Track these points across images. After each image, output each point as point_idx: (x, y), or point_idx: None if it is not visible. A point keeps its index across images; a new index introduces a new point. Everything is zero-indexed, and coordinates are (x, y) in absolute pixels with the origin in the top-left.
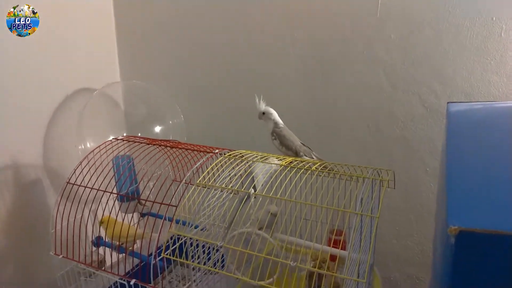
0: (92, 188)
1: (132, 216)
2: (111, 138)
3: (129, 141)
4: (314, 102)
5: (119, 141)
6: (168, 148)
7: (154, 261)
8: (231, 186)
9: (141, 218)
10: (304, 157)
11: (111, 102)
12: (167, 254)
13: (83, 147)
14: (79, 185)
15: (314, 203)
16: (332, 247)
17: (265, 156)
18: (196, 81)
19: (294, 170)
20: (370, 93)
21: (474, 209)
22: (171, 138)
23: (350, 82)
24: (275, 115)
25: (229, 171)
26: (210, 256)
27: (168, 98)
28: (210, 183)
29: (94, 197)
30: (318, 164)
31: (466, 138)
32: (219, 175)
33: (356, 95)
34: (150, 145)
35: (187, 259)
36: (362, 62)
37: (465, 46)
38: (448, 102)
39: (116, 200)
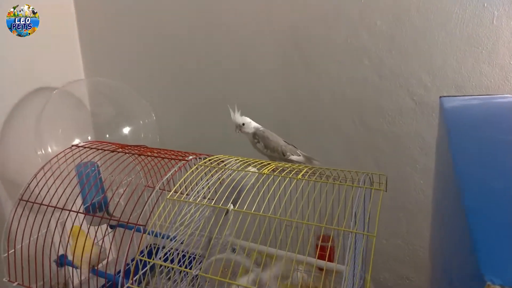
0: (48, 206)
1: (102, 230)
2: (71, 145)
3: (91, 148)
4: (296, 94)
5: (80, 148)
6: (136, 156)
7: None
8: (207, 201)
9: (110, 230)
10: (292, 156)
11: (75, 101)
12: (135, 276)
13: (43, 152)
14: (34, 202)
15: (303, 221)
16: (319, 254)
17: (246, 162)
18: (168, 77)
19: (278, 179)
20: (355, 85)
21: None
22: (142, 138)
23: (333, 73)
24: (253, 122)
25: (206, 181)
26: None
27: (138, 96)
28: (183, 197)
29: (53, 213)
30: (305, 170)
31: (472, 144)
32: (196, 184)
33: (340, 87)
34: (116, 152)
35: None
36: (346, 51)
37: (455, 34)
38: (440, 97)
39: (82, 216)
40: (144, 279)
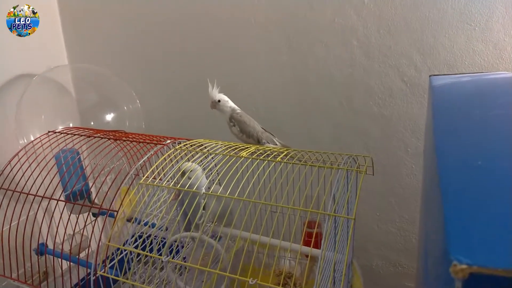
0: (20, 192)
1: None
2: (48, 131)
3: (68, 134)
4: (281, 76)
5: (57, 134)
6: (112, 141)
7: (94, 276)
8: (179, 185)
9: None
10: (267, 144)
11: (58, 87)
12: (112, 264)
13: (25, 141)
14: (7, 189)
15: (278, 204)
16: (306, 240)
17: (227, 146)
18: (153, 62)
19: (257, 162)
20: (342, 66)
21: (485, 232)
22: (127, 125)
23: (319, 54)
24: (230, 102)
25: (181, 165)
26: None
27: (122, 81)
28: (156, 181)
29: (33, 200)
30: (285, 153)
31: (457, 121)
32: (170, 168)
33: (327, 69)
34: (92, 137)
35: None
36: (333, 31)
37: (446, 11)
38: (430, 76)
39: (60, 202)
40: (122, 267)
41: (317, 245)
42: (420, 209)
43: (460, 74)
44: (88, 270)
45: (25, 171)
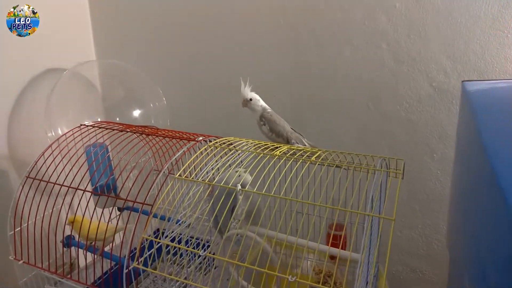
0: (55, 184)
1: (110, 211)
2: (80, 124)
3: (100, 128)
4: (308, 78)
5: (89, 127)
6: (144, 136)
7: (127, 269)
8: (216, 181)
9: (119, 213)
10: (296, 144)
11: (85, 83)
12: (141, 260)
13: (53, 134)
14: (41, 180)
15: (316, 203)
16: (332, 243)
17: (257, 144)
18: (180, 60)
19: (291, 161)
20: (371, 69)
21: None
22: (152, 123)
23: (348, 56)
24: (261, 100)
25: (215, 162)
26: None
27: (149, 79)
28: (192, 177)
29: (59, 191)
30: (317, 154)
31: (505, 124)
32: (204, 165)
33: (355, 71)
34: (124, 131)
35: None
36: (363, 34)
37: (479, 17)
38: (462, 81)
39: (89, 194)
40: (149, 260)
41: (343, 247)
42: (451, 212)
43: (493, 80)
44: (113, 263)
45: (58, 164)
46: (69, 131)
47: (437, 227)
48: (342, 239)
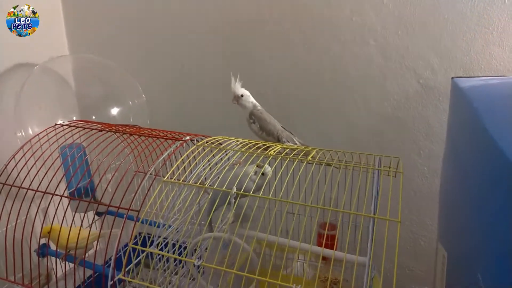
0: (28, 189)
1: (87, 217)
2: (54, 124)
3: (77, 127)
4: (295, 75)
5: (64, 127)
6: (127, 135)
7: (112, 281)
8: (208, 183)
9: (97, 218)
10: (287, 144)
11: (58, 79)
12: (127, 268)
13: (23, 134)
14: (12, 185)
15: (317, 205)
16: (322, 243)
17: (246, 144)
18: (161, 54)
19: (286, 162)
20: (358, 65)
21: None
22: (131, 121)
23: (335, 52)
24: (251, 97)
25: (205, 163)
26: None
27: (127, 75)
28: (181, 179)
29: (33, 197)
30: (313, 153)
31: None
32: (195, 166)
33: (343, 68)
34: (104, 131)
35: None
36: (350, 30)
37: (465, 14)
38: (452, 78)
39: (66, 200)
40: (136, 269)
41: (332, 248)
42: (443, 207)
43: (483, 77)
44: (90, 272)
45: (31, 168)
46: (42, 131)
47: (423, 224)
48: (335, 240)
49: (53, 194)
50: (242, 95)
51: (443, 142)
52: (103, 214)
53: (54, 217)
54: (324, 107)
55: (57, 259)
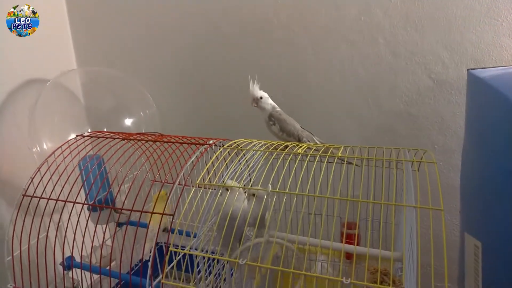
0: (57, 200)
1: (107, 227)
2: (73, 136)
3: (98, 137)
4: (305, 77)
5: (85, 138)
6: (150, 144)
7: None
8: (244, 185)
9: (118, 228)
10: (308, 143)
11: (69, 93)
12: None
13: (38, 149)
14: (40, 197)
15: (357, 199)
16: (346, 243)
17: (272, 144)
18: (169, 63)
19: (316, 160)
20: (368, 65)
21: None
22: (143, 130)
23: (345, 53)
24: (270, 99)
25: (235, 166)
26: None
27: (137, 85)
28: (214, 182)
29: (62, 209)
30: (341, 151)
31: None
32: (225, 170)
33: (353, 67)
34: (125, 140)
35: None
36: (359, 29)
37: (473, 7)
38: (468, 70)
39: (90, 211)
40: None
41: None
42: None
43: (499, 67)
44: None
45: (57, 180)
46: (64, 143)
47: (439, 218)
48: (356, 238)
49: (83, 204)
50: (261, 97)
51: (457, 136)
52: (124, 225)
53: (86, 227)
54: (335, 107)
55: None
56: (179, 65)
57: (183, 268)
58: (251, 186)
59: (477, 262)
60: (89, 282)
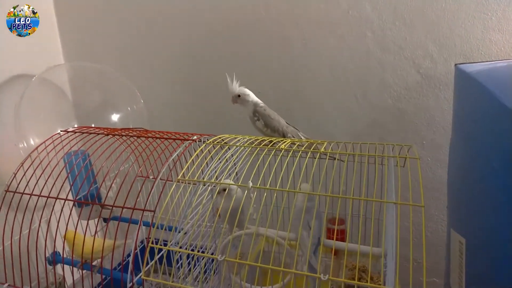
0: (39, 196)
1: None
2: (59, 130)
3: (82, 133)
4: (293, 71)
5: (69, 133)
6: (134, 138)
7: (131, 283)
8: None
9: (104, 224)
10: (292, 138)
11: (56, 88)
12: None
13: (25, 145)
14: (22, 193)
15: (340, 195)
16: (330, 238)
17: (256, 140)
18: (157, 58)
19: (299, 155)
20: (356, 59)
21: None
22: (131, 126)
23: (333, 47)
24: (252, 95)
25: (217, 161)
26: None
27: (124, 80)
28: (195, 178)
29: (45, 204)
30: (324, 146)
31: None
32: (206, 166)
33: (341, 62)
34: (110, 135)
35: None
36: (347, 23)
37: (463, 1)
38: (456, 64)
39: (73, 206)
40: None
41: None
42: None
43: (488, 61)
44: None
45: (40, 175)
46: (48, 139)
47: (428, 214)
48: (346, 234)
49: (65, 199)
50: (239, 95)
51: (445, 131)
52: (108, 220)
53: (67, 225)
54: (324, 102)
55: (69, 266)
56: (168, 61)
57: (163, 262)
58: (236, 181)
59: (461, 258)
60: (74, 278)
